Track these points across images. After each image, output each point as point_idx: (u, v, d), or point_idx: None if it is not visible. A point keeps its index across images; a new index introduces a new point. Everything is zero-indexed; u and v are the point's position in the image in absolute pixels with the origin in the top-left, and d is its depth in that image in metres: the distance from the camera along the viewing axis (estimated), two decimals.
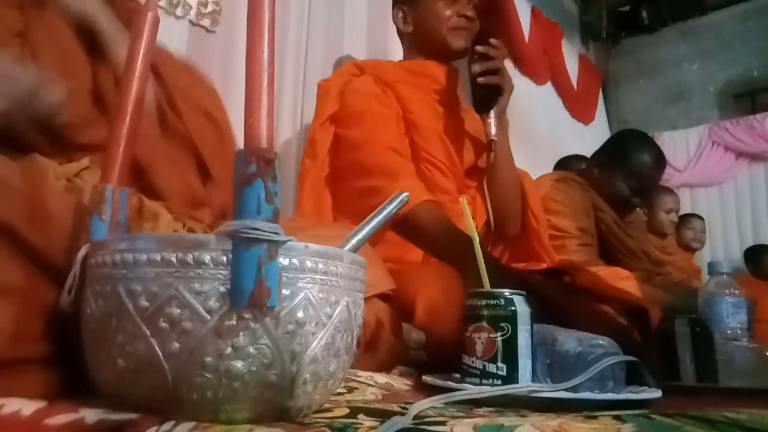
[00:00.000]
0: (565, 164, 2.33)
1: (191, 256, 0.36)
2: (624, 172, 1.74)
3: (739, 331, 0.90)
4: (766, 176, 3.65)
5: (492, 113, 1.19)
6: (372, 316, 0.73)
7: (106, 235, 0.45)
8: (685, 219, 3.26)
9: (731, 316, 0.90)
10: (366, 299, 0.46)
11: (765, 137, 3.56)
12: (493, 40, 1.17)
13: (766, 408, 0.55)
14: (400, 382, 0.66)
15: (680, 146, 3.82)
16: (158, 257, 0.36)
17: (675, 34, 3.98)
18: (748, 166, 3.71)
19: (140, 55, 0.48)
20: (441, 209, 1.10)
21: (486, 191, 1.25)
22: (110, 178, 0.46)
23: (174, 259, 0.36)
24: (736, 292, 0.92)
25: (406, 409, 0.43)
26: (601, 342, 0.63)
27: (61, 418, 0.34)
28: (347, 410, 0.45)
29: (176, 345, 0.35)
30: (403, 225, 1.05)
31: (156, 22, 0.49)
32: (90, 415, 0.34)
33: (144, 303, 0.36)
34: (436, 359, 0.79)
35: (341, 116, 1.20)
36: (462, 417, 0.43)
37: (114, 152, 0.46)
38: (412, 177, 1.13)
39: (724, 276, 0.95)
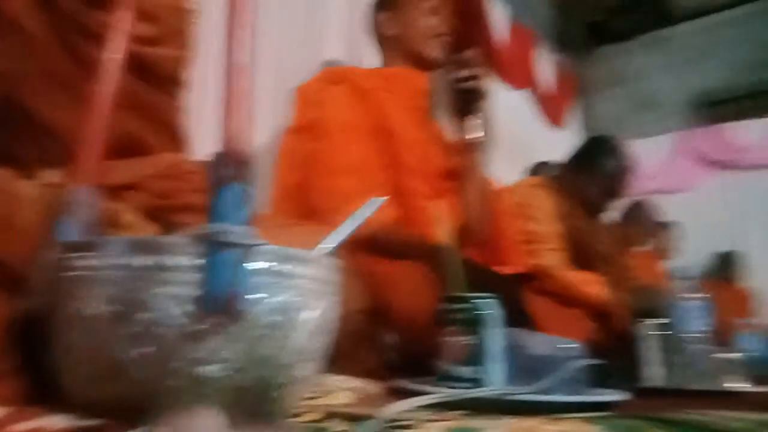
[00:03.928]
0: (538, 170, 2.37)
1: (163, 259, 0.35)
2: (594, 178, 1.77)
3: (703, 335, 0.92)
4: (735, 184, 3.76)
5: (478, 116, 1.26)
6: (350, 329, 0.72)
7: (76, 237, 0.44)
8: (661, 226, 3.32)
9: (696, 319, 0.93)
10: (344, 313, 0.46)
11: (733, 146, 3.67)
12: (469, 51, 1.23)
13: (728, 409, 0.57)
14: (373, 386, 0.67)
15: (651, 153, 3.90)
16: (129, 260, 0.36)
17: (647, 43, 4.08)
18: (717, 174, 3.81)
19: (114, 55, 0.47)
20: (400, 227, 1.13)
21: (466, 193, 1.28)
22: (81, 179, 0.45)
23: (145, 263, 0.35)
24: (701, 296, 0.95)
25: (380, 413, 0.44)
26: (569, 345, 0.64)
27: (26, 425, 0.33)
28: (321, 414, 0.45)
29: (147, 350, 0.35)
30: (371, 249, 1.06)
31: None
32: (57, 421, 0.34)
33: (114, 307, 0.35)
34: (408, 361, 0.80)
35: (312, 126, 1.23)
36: (434, 420, 0.44)
37: (85, 153, 0.46)
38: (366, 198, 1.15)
39: (690, 280, 0.97)
